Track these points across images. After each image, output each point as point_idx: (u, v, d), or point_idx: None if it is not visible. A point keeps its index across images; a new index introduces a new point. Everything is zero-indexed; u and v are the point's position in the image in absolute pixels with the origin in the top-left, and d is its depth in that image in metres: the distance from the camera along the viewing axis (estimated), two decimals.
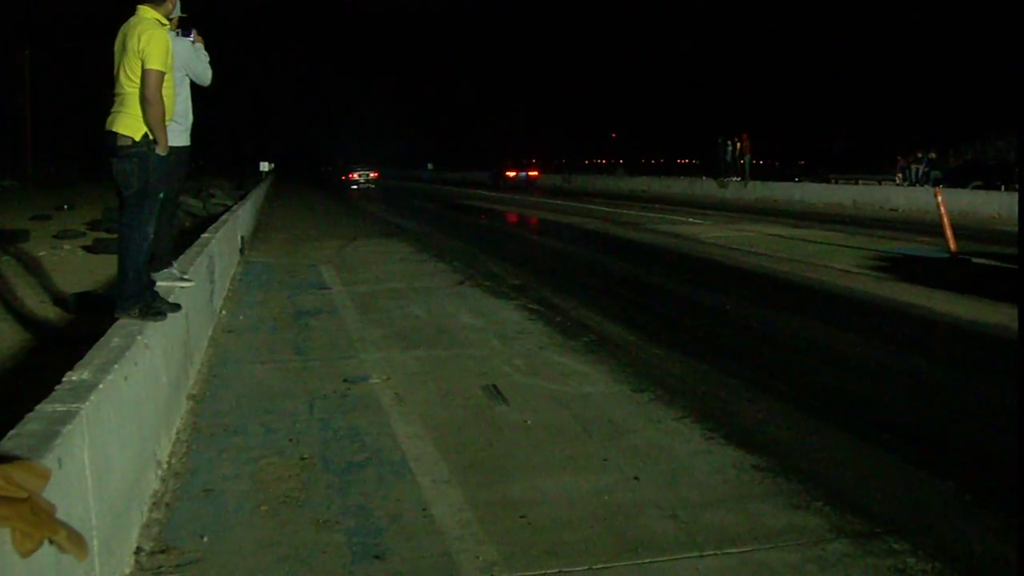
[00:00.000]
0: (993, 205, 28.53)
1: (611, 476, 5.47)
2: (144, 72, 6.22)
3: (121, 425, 4.34)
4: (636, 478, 5.42)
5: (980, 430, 6.50)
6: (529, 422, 6.54)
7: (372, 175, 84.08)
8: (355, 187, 72.77)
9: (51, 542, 2.87)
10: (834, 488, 5.27)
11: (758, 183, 42.01)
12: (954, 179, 35.14)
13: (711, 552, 4.44)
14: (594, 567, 4.29)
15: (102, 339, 5.18)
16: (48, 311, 10.56)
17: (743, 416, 6.71)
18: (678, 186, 48.96)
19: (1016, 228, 20.45)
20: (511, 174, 71.53)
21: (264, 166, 79.35)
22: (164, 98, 6.37)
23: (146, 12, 6.48)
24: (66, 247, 16.79)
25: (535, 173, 72.05)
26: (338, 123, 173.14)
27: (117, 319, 5.89)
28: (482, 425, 6.51)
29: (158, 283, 6.85)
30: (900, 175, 40.67)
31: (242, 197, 30.86)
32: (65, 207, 26.49)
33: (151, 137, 6.30)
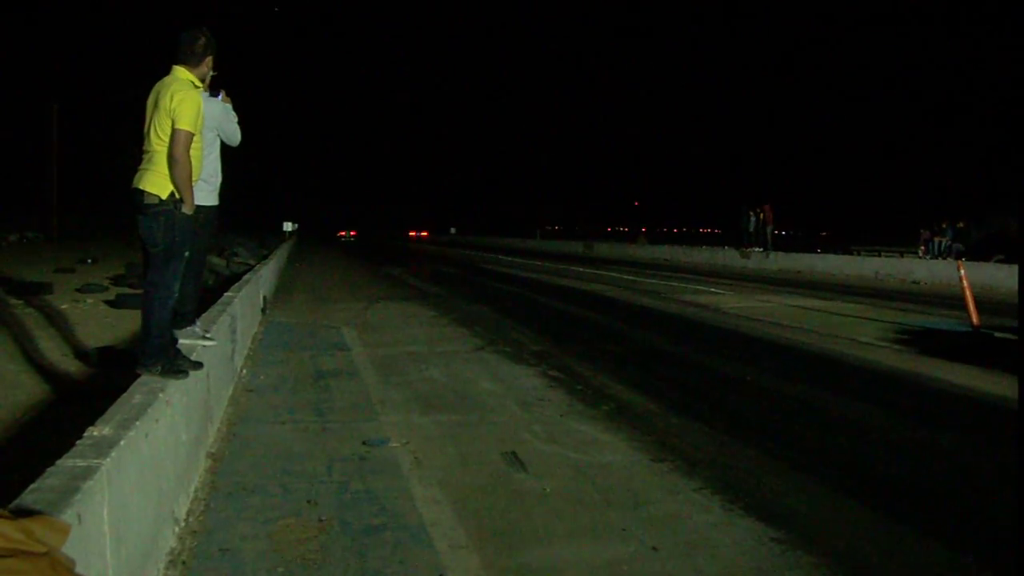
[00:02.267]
0: (1016, 279, 28.37)
1: (630, 546, 5.43)
2: (174, 132, 6.27)
3: (141, 482, 4.34)
4: (655, 549, 5.38)
5: (1002, 505, 6.42)
6: (548, 490, 6.51)
7: (352, 233, 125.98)
8: (342, 239, 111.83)
9: None
10: (855, 562, 5.22)
11: (780, 254, 41.96)
12: (977, 252, 35.07)
13: None
14: None
15: (124, 395, 5.20)
16: (70, 365, 10.58)
17: (763, 488, 6.66)
18: (700, 255, 48.99)
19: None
20: (412, 233, 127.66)
21: (288, 226, 79.91)
22: (192, 159, 6.43)
23: (181, 72, 6.57)
24: (89, 301, 16.86)
25: (425, 233, 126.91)
26: (341, 193, 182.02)
27: (139, 375, 5.92)
28: (501, 491, 6.48)
29: (181, 341, 6.89)
30: (923, 247, 40.62)
31: (265, 256, 31.04)
32: (89, 261, 26.62)
33: (177, 196, 6.35)
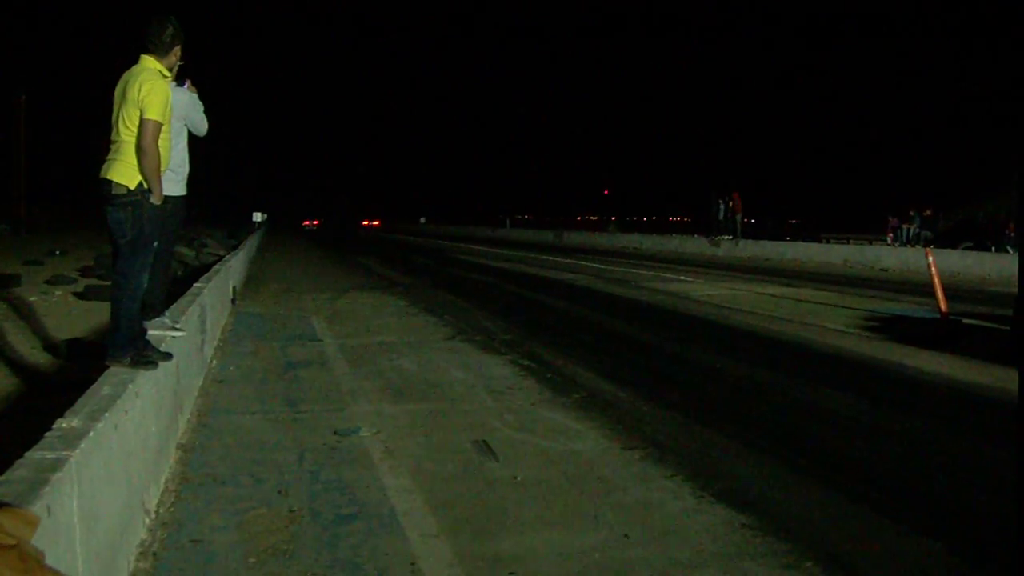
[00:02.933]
0: (984, 266, 28.69)
1: (601, 533, 5.44)
2: (142, 122, 6.23)
3: (110, 473, 4.32)
4: (626, 536, 5.40)
5: (970, 490, 6.48)
6: (519, 478, 6.52)
7: (315, 223, 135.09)
8: (305, 227, 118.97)
9: None
10: (825, 548, 5.25)
11: (750, 242, 42.14)
12: (945, 240, 35.35)
13: None
14: None
15: (93, 387, 5.17)
16: (39, 357, 10.52)
17: (734, 475, 6.69)
18: (670, 244, 49.09)
19: (1007, 289, 20.51)
20: (364, 223, 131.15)
21: (257, 216, 79.68)
22: (160, 149, 6.38)
23: (149, 62, 6.52)
24: (58, 293, 16.74)
25: (377, 222, 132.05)
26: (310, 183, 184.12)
27: (108, 367, 5.88)
28: (472, 480, 6.49)
29: (150, 332, 6.84)
30: (891, 235, 40.88)
31: (235, 247, 30.90)
32: (57, 253, 26.41)
33: (146, 186, 6.30)
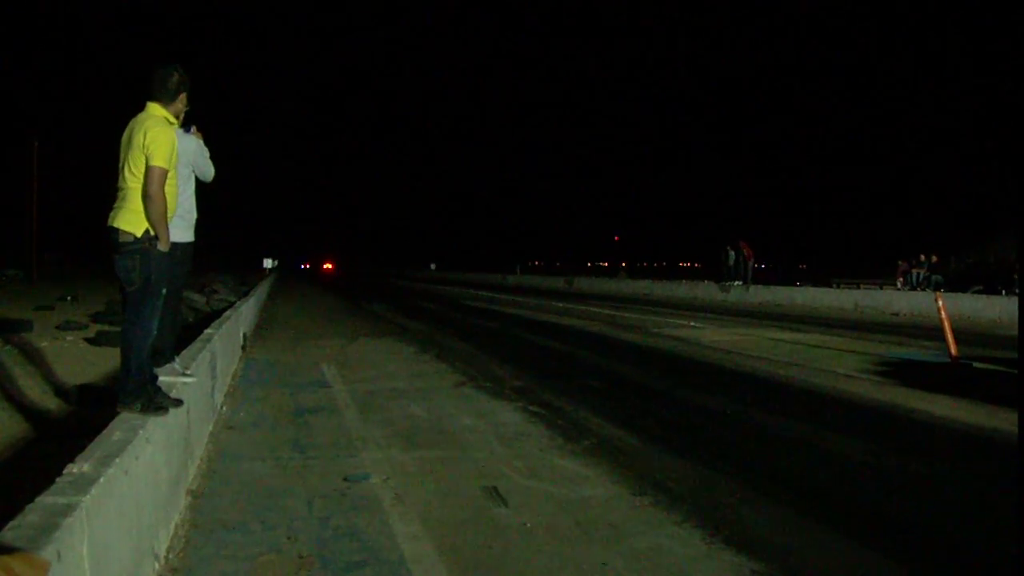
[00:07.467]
0: (994, 309, 28.65)
1: None
2: (148, 169, 6.28)
3: (120, 519, 4.33)
4: None
5: (982, 535, 6.45)
6: (528, 524, 6.51)
7: (307, 265, 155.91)
8: (302, 268, 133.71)
9: None
10: None
11: (760, 287, 42.16)
12: (955, 283, 35.35)
13: None
14: None
15: (103, 432, 5.19)
16: (49, 402, 10.54)
17: (744, 521, 6.67)
18: (680, 289, 49.11)
19: (1017, 333, 20.46)
20: (326, 265, 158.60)
21: (268, 263, 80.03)
22: (167, 195, 6.43)
23: (155, 109, 6.59)
24: (69, 338, 16.79)
25: (332, 265, 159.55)
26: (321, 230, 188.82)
27: (119, 413, 5.90)
28: (481, 527, 6.48)
29: (160, 378, 6.87)
30: (901, 279, 40.85)
31: (245, 293, 30.99)
32: (68, 298, 26.47)
33: (152, 233, 6.35)
